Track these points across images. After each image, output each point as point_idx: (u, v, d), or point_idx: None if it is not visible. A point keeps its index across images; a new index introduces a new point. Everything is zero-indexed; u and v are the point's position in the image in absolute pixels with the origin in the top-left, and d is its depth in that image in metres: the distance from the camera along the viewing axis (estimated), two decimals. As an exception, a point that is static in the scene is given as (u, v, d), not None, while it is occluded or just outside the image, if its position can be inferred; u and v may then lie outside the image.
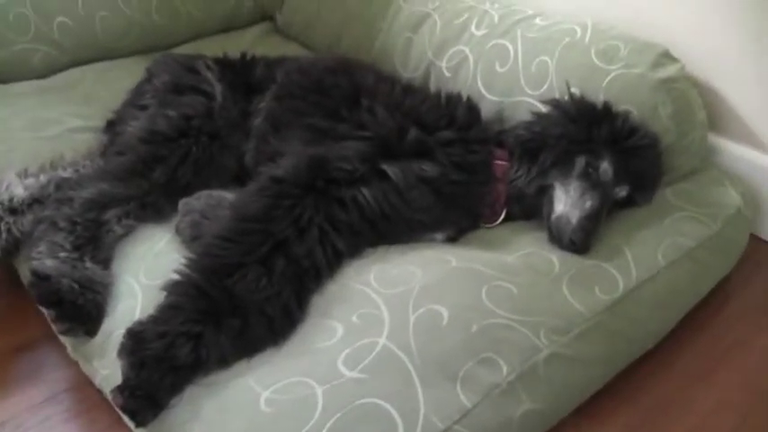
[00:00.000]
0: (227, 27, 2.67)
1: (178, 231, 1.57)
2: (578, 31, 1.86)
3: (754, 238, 1.93)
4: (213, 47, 2.17)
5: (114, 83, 2.13)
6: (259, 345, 1.31)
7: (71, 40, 2.27)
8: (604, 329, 1.45)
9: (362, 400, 1.21)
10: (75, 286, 1.43)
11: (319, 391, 1.22)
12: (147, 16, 2.40)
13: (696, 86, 1.85)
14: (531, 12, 2.01)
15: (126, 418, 1.27)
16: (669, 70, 1.76)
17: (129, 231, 1.61)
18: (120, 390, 1.23)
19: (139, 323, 1.29)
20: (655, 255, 1.58)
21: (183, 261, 1.38)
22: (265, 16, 2.79)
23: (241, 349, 1.30)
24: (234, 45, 2.17)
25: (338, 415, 1.18)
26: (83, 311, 1.42)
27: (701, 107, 1.83)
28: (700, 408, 1.50)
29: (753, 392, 1.55)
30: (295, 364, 1.28)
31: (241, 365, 1.29)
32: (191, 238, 1.53)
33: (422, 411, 1.20)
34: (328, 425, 1.17)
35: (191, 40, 2.55)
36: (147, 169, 1.63)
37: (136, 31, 2.39)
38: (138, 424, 1.25)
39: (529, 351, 1.34)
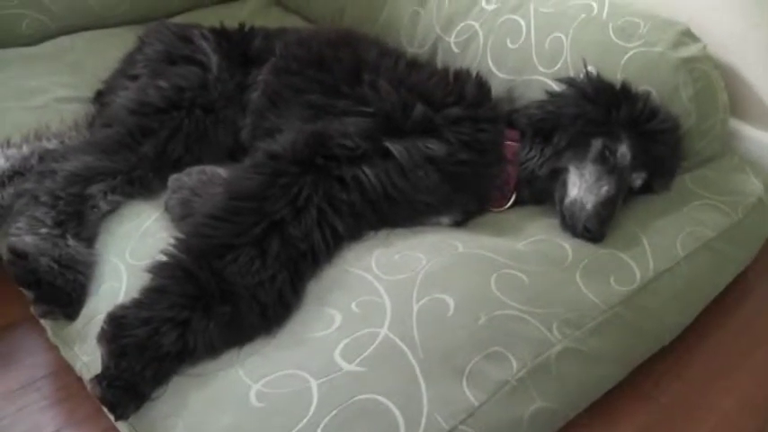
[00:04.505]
0: (226, -3, 2.59)
1: (167, 209, 1.50)
2: (595, 6, 1.79)
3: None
4: (210, 17, 2.10)
5: (105, 52, 2.05)
6: (251, 333, 1.25)
7: (61, 6, 2.20)
8: (620, 323, 1.39)
9: (361, 396, 1.14)
10: (55, 266, 1.36)
11: (314, 384, 1.16)
12: (142, -17, 2.32)
13: (717, 68, 1.77)
14: (544, -14, 1.93)
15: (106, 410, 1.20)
16: (691, 50, 1.69)
17: (115, 208, 1.55)
18: (98, 380, 1.16)
19: (122, 307, 1.22)
20: (673, 244, 1.52)
21: (171, 241, 1.32)
22: (266, -13, 2.70)
23: (231, 338, 1.23)
24: (232, 16, 2.12)
25: (334, 412, 1.12)
26: (62, 293, 1.35)
27: (724, 89, 1.76)
28: (720, 407, 1.45)
29: (775, 392, 1.50)
30: (289, 356, 1.21)
31: (231, 355, 1.23)
32: (180, 216, 1.46)
33: (425, 409, 1.14)
34: (324, 422, 1.11)
35: (187, 9, 2.48)
36: (135, 142, 1.57)
37: (130, -1, 2.31)
38: (118, 417, 1.18)
39: (540, 345, 1.28)
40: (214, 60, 1.75)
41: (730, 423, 1.41)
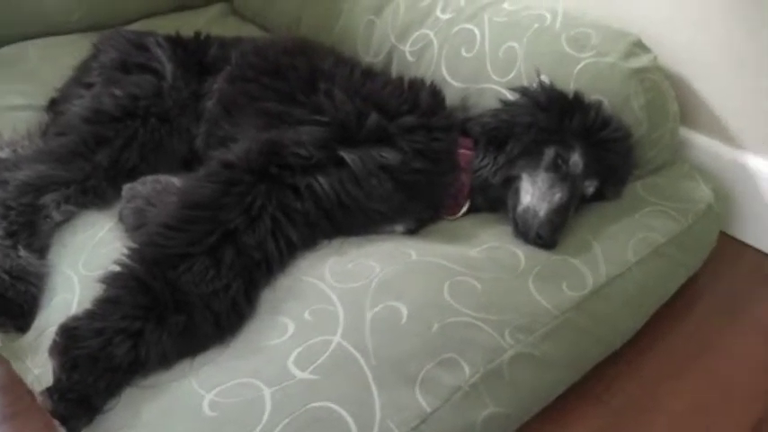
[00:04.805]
0: (182, 6, 2.58)
1: (121, 218, 1.49)
2: (548, 17, 1.81)
3: (723, 235, 1.89)
4: (166, 26, 2.09)
5: (59, 59, 2.03)
6: (204, 343, 1.24)
7: (14, 13, 2.18)
8: (572, 328, 1.40)
9: (314, 404, 1.14)
10: (6, 277, 1.35)
11: (267, 393, 1.15)
12: (97, -11, 2.30)
13: (668, 78, 1.80)
14: (498, -4, 1.94)
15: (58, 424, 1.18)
16: (642, 60, 1.71)
17: (68, 218, 1.53)
18: (49, 392, 1.15)
19: (74, 318, 1.21)
20: (624, 250, 1.54)
21: (125, 251, 1.30)
22: (222, -5, 2.69)
23: (184, 348, 1.23)
24: (188, 25, 2.09)
25: (287, 419, 1.12)
26: (13, 305, 1.34)
27: (674, 99, 1.79)
28: (670, 409, 1.46)
29: (723, 393, 1.51)
30: (242, 365, 1.21)
31: (184, 366, 1.22)
32: (134, 226, 1.45)
33: (378, 416, 1.14)
34: (276, 430, 1.11)
35: (144, 17, 2.46)
36: (90, 151, 1.56)
37: (85, 6, 2.30)
38: (70, 430, 1.16)
39: (493, 351, 1.28)
40: (169, 69, 1.74)
41: (680, 425, 1.43)
